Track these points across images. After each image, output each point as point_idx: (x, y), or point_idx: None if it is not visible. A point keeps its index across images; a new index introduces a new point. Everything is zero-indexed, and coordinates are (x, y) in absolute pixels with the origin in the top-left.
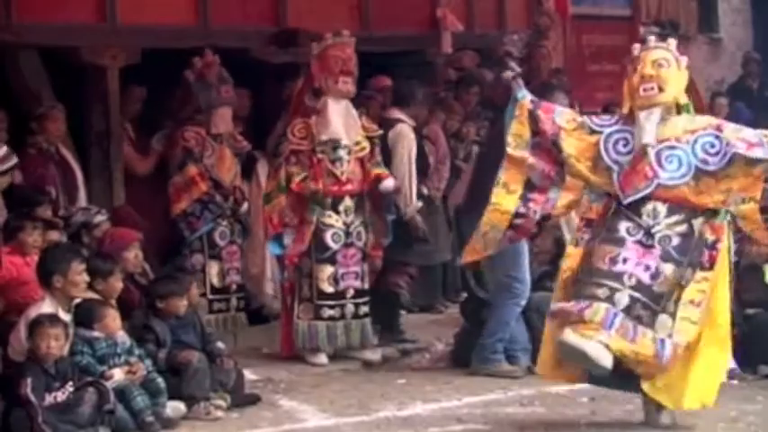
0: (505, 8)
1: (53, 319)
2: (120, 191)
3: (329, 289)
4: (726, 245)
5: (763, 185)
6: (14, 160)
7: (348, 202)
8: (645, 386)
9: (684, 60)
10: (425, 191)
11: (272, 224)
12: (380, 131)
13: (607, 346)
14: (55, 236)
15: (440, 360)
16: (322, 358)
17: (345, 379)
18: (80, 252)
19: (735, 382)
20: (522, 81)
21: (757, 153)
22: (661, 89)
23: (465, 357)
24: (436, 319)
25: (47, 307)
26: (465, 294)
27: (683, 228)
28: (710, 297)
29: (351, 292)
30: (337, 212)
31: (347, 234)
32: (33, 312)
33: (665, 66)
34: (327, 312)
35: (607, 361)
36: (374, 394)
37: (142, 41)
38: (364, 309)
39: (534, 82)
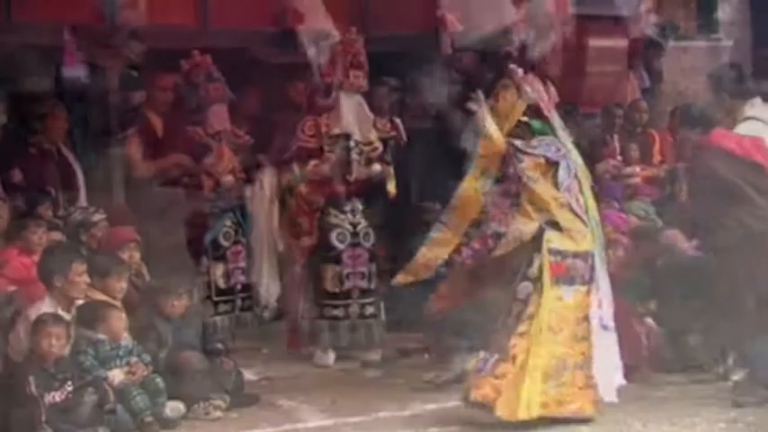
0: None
1: (56, 318)
2: (120, 191)
3: (334, 289)
4: None
5: None
6: None
7: (356, 202)
8: None
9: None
10: None
11: (303, 210)
12: (394, 132)
13: None
14: (56, 236)
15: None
16: (328, 359)
17: (345, 379)
18: (81, 252)
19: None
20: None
21: None
22: None
23: None
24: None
25: (46, 307)
26: None
27: None
28: None
29: (356, 293)
30: (344, 212)
31: (354, 234)
32: (33, 312)
33: None
34: (331, 312)
35: None
36: (374, 394)
37: (142, 41)
38: (370, 309)
39: None
